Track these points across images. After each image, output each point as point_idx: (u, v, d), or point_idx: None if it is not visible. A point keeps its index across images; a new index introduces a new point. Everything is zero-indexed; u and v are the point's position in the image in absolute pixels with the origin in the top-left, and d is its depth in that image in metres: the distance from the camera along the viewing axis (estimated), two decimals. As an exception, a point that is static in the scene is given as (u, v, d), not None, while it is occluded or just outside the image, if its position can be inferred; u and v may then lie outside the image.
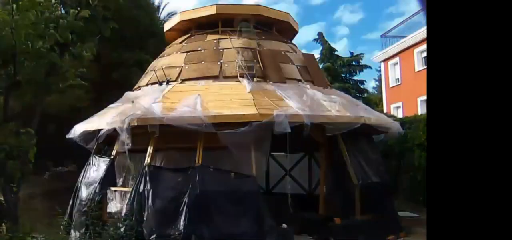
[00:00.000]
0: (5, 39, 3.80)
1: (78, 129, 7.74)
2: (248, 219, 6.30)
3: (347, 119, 7.09)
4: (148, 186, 6.37)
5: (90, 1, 3.76)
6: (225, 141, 6.39)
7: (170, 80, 8.22)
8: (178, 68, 8.62)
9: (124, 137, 6.62)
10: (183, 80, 8.30)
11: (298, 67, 8.82)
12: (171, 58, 9.18)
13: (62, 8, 4.21)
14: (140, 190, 6.28)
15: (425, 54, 18.08)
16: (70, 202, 7.07)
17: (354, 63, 27.07)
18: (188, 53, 8.92)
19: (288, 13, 10.05)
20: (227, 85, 7.90)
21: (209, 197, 6.31)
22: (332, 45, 27.12)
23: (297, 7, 76.35)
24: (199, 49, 8.95)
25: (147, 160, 6.73)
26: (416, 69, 18.97)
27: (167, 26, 10.89)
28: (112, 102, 8.61)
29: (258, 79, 8.02)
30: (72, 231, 4.89)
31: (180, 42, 9.66)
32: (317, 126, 6.83)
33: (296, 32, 10.67)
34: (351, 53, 27.47)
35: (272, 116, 6.57)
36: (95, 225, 4.96)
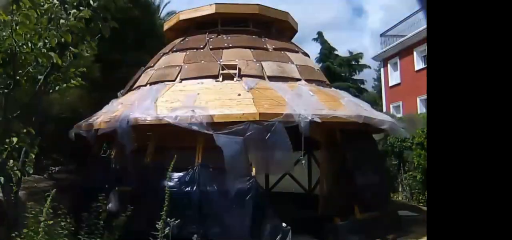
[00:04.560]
0: (5, 38, 3.80)
1: (77, 128, 7.75)
2: (247, 218, 6.31)
3: (347, 118, 7.09)
4: (148, 185, 6.38)
5: (91, 1, 3.76)
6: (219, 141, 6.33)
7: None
8: (177, 67, 8.63)
9: (124, 137, 6.63)
10: (182, 79, 8.31)
11: (298, 66, 8.82)
12: (170, 57, 9.19)
13: (62, 9, 4.21)
14: (140, 190, 6.29)
15: (425, 53, 18.08)
16: (71, 202, 7.07)
17: (353, 63, 27.02)
18: (187, 52, 8.92)
19: (287, 12, 10.05)
20: (227, 84, 7.91)
21: (209, 197, 6.32)
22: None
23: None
24: (198, 48, 8.96)
25: (147, 159, 6.74)
26: (416, 69, 18.97)
27: (166, 25, 10.91)
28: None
29: (257, 78, 8.03)
30: (74, 231, 4.90)
31: (180, 41, 9.67)
32: (316, 125, 6.83)
33: (295, 32, 10.68)
34: (351, 53, 27.39)
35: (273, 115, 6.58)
36: (96, 225, 4.97)
